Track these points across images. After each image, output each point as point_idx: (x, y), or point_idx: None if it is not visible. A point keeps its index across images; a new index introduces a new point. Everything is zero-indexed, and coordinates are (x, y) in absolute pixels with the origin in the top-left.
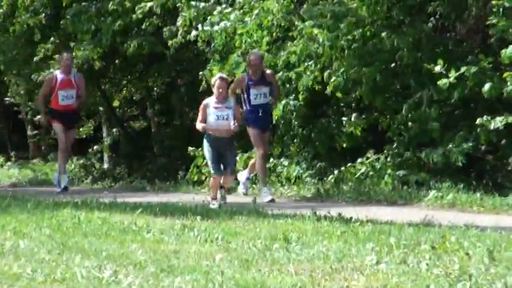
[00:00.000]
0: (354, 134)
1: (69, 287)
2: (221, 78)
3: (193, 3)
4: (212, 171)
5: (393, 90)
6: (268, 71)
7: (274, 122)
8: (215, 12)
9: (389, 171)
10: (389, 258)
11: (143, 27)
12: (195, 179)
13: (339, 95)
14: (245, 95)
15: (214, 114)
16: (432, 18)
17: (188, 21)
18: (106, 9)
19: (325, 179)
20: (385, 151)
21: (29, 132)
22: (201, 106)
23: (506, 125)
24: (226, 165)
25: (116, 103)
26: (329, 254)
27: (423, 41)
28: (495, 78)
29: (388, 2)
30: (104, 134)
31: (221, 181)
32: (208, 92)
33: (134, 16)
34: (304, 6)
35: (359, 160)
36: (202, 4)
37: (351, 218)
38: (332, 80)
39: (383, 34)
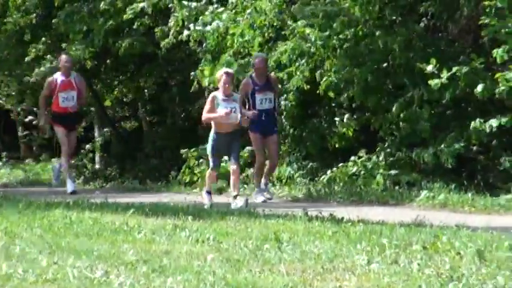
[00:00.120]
0: (346, 134)
1: (61, 287)
2: (227, 73)
3: (185, 3)
4: (211, 165)
5: (385, 90)
6: (272, 75)
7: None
8: (207, 12)
9: (381, 170)
10: (380, 258)
11: (134, 27)
12: (187, 179)
13: (331, 94)
14: (250, 100)
15: (223, 107)
16: (424, 19)
17: (180, 21)
18: (98, 10)
19: (316, 179)
20: (377, 151)
21: (20, 133)
22: (209, 98)
23: (498, 126)
24: (232, 154)
25: (107, 103)
26: (320, 254)
27: (415, 41)
28: (487, 79)
29: (380, 2)
30: (96, 134)
31: (231, 177)
32: (200, 93)
33: (125, 16)
34: (296, 5)
35: (352, 158)
36: (194, 4)
37: (343, 218)
38: (324, 80)
39: (376, 34)
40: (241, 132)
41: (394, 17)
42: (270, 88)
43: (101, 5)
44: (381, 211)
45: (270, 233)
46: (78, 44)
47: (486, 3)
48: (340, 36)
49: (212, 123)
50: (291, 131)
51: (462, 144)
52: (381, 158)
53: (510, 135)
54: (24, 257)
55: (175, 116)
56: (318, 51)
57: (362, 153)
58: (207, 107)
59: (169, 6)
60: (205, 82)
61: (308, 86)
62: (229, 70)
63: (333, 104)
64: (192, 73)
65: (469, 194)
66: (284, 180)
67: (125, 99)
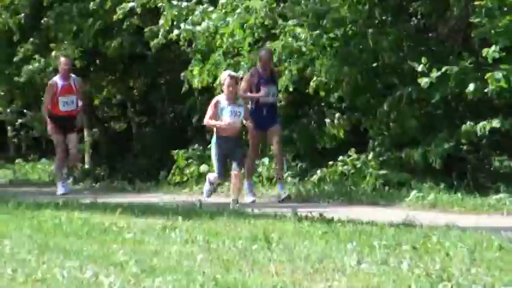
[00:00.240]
0: (337, 136)
1: (50, 287)
2: (230, 76)
3: (174, 2)
4: (216, 173)
5: (375, 89)
6: (275, 69)
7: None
8: (197, 12)
9: (370, 170)
10: (370, 258)
11: (124, 27)
12: (177, 180)
13: (322, 93)
14: (254, 92)
15: (227, 111)
16: (414, 18)
17: (170, 20)
18: (87, 10)
19: (306, 179)
20: (367, 151)
21: (9, 133)
22: (212, 103)
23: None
24: (235, 160)
25: (96, 103)
26: (310, 254)
27: (405, 40)
28: (477, 79)
29: (370, 1)
30: (85, 134)
31: (232, 183)
32: (189, 93)
33: (115, 16)
34: (287, 4)
35: (340, 158)
36: (185, 3)
37: (332, 218)
38: (314, 79)
39: (366, 33)
40: (241, 138)
41: (384, 17)
42: (274, 81)
43: (90, 5)
44: (371, 211)
45: (260, 233)
46: (67, 44)
47: (477, 3)
48: (330, 35)
49: (219, 127)
50: None
51: (451, 145)
52: (370, 158)
53: (500, 135)
54: (14, 257)
55: (164, 116)
56: (308, 49)
57: (352, 152)
58: (209, 112)
59: (159, 5)
60: (195, 82)
61: (295, 87)
62: (233, 73)
63: (323, 104)
64: (182, 74)
65: (459, 194)
66: (274, 180)
67: (114, 99)
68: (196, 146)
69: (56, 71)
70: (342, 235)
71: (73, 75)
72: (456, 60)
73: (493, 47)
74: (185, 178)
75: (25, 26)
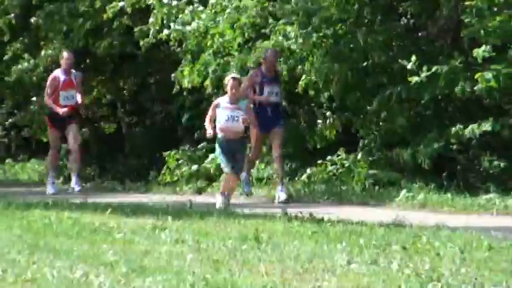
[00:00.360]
0: (329, 136)
1: (40, 287)
2: (234, 78)
3: (165, 1)
4: (227, 172)
5: (365, 89)
6: (279, 69)
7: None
8: (187, 11)
9: (360, 169)
10: (360, 258)
11: (114, 27)
12: (167, 180)
13: (311, 92)
14: (257, 93)
15: (225, 115)
16: (403, 18)
17: (160, 19)
18: (77, 10)
19: (296, 178)
20: (357, 150)
21: None
22: (212, 105)
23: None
24: (235, 162)
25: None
26: (300, 254)
27: (395, 40)
28: (467, 79)
29: (359, 1)
30: None
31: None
32: (180, 93)
33: (105, 16)
34: (277, 2)
35: (328, 158)
36: (175, 2)
37: (322, 218)
38: (303, 78)
39: (356, 32)
40: (246, 141)
41: (373, 17)
42: (278, 82)
43: (80, 6)
44: (361, 211)
45: (250, 233)
46: (56, 44)
47: (467, 3)
48: (320, 34)
49: (217, 129)
50: None
51: (440, 145)
52: (359, 157)
53: (490, 135)
54: (4, 257)
55: (154, 116)
56: (298, 48)
57: (341, 151)
58: (209, 113)
59: (149, 3)
60: (185, 82)
61: (285, 86)
62: (236, 75)
63: (313, 104)
64: (173, 75)
65: (449, 194)
66: (264, 181)
67: (103, 99)
68: (187, 147)
69: (46, 71)
70: (331, 235)
71: (73, 70)
72: (446, 59)
73: (483, 47)
74: (175, 178)
75: (15, 26)
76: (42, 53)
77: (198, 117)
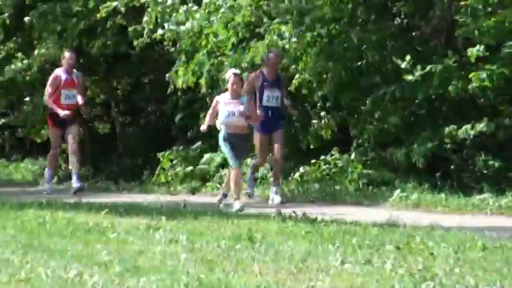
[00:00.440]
0: (324, 136)
1: (34, 287)
2: (235, 74)
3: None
4: (232, 165)
5: (358, 88)
6: (282, 75)
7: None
8: (181, 11)
9: (353, 169)
10: (354, 258)
11: (108, 26)
12: (161, 180)
13: (304, 91)
14: (257, 95)
15: (226, 110)
16: (397, 18)
17: (154, 17)
18: (71, 9)
19: (290, 178)
20: (351, 150)
21: None
22: (213, 102)
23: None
24: (238, 157)
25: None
26: (294, 254)
27: (389, 39)
28: (460, 78)
29: (353, 1)
30: None
31: (228, 177)
32: (174, 93)
33: (99, 15)
34: (271, 1)
35: (322, 157)
36: (170, 1)
37: (316, 218)
38: (296, 77)
39: (350, 32)
40: (248, 138)
41: (367, 16)
42: (279, 85)
43: (74, 6)
44: (355, 211)
45: (243, 233)
46: (50, 43)
47: (462, 3)
48: (314, 33)
49: (220, 124)
50: None
51: (434, 144)
52: (353, 157)
53: (484, 135)
54: None
55: (148, 116)
56: (291, 47)
57: (335, 151)
58: (209, 111)
59: (142, 2)
60: (179, 82)
61: None
62: (238, 71)
63: (306, 104)
64: (167, 75)
65: (443, 194)
66: (258, 181)
67: (97, 99)
68: (181, 147)
69: (40, 71)
70: (325, 235)
71: (75, 70)
72: (440, 59)
73: (477, 47)
74: (170, 178)
75: (9, 26)
76: (36, 52)
77: (191, 116)
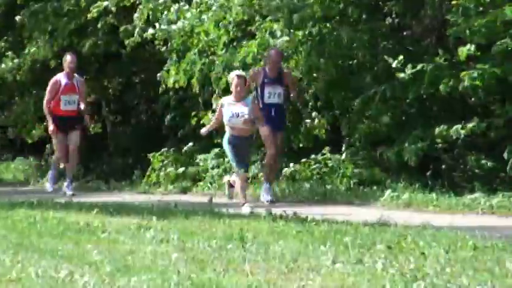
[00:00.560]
0: (319, 136)
1: (25, 287)
2: (238, 76)
3: None
4: (237, 169)
5: (349, 87)
6: (285, 71)
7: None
8: (172, 10)
9: (345, 169)
10: (345, 258)
11: (99, 26)
12: (153, 180)
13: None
14: (258, 92)
15: (229, 111)
16: (388, 17)
17: (146, 15)
18: (62, 9)
19: (280, 178)
20: (342, 150)
21: None
22: (218, 106)
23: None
24: (241, 161)
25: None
26: (285, 253)
27: (380, 39)
28: (452, 77)
29: (344, 0)
30: None
31: (230, 179)
32: (165, 93)
33: (90, 15)
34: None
35: (312, 156)
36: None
37: (307, 217)
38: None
39: (341, 31)
40: (252, 140)
41: (358, 15)
42: (281, 83)
43: (65, 5)
44: (346, 210)
45: (235, 232)
46: (41, 43)
47: (454, 2)
48: (306, 31)
49: (225, 126)
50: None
51: (425, 143)
52: (344, 156)
53: (475, 134)
54: None
55: (139, 115)
56: (283, 46)
57: (326, 150)
58: (216, 113)
59: (133, 0)
60: (171, 82)
61: None
62: (241, 73)
63: (297, 103)
64: (159, 74)
65: (434, 194)
66: (249, 180)
67: (88, 99)
68: (172, 149)
69: (30, 71)
70: (316, 234)
71: (76, 75)
72: (431, 58)
73: (468, 46)
74: (161, 179)
75: (0, 25)
76: (26, 51)
77: (182, 116)
